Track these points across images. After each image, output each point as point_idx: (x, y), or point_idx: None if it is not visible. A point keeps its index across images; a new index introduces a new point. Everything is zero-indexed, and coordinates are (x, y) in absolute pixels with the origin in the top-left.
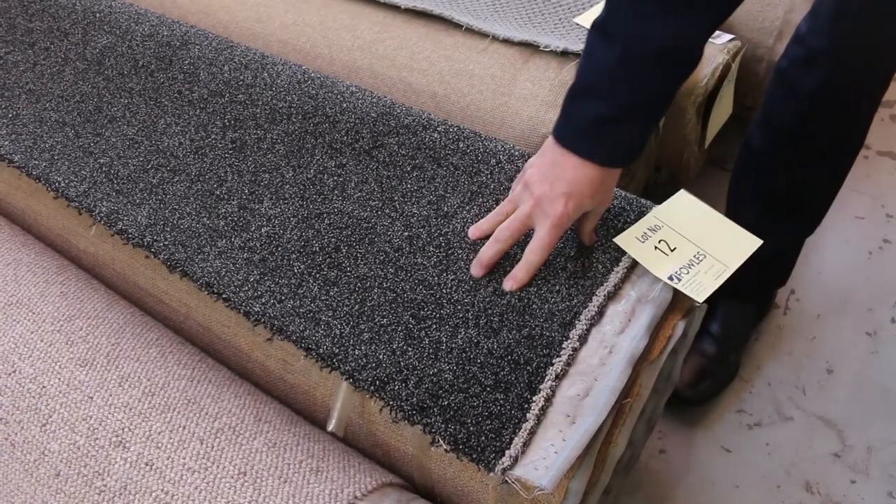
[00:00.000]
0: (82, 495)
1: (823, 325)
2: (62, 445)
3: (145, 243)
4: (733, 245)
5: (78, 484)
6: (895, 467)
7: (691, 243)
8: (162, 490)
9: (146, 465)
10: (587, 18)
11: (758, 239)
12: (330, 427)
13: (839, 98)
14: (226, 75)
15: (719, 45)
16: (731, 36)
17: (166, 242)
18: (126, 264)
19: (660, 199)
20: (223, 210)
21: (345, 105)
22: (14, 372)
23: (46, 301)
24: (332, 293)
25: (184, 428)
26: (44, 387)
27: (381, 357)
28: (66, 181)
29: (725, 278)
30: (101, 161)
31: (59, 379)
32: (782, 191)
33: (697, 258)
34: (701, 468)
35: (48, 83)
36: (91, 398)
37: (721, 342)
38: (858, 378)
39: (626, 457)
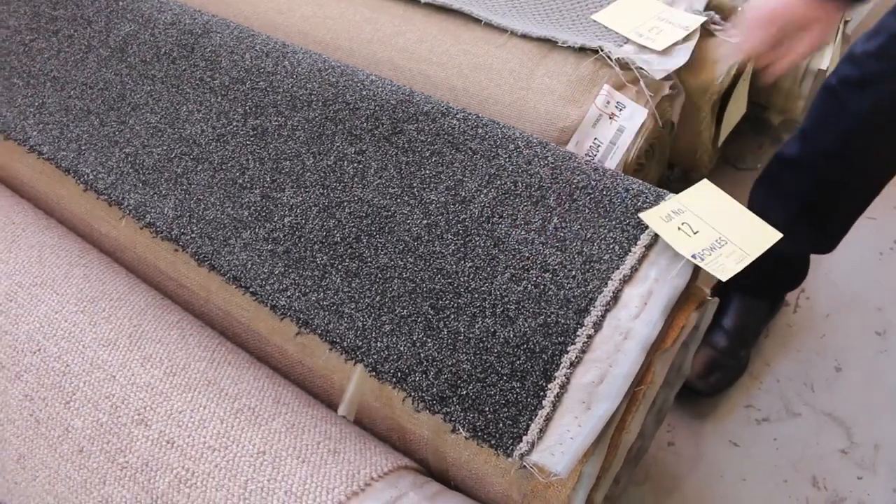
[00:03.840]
0: (105, 471)
1: (833, 323)
2: (85, 422)
3: (173, 236)
4: (754, 235)
5: (100, 460)
6: None
7: (713, 229)
8: (183, 467)
9: (167, 442)
10: (604, 16)
11: (777, 232)
12: (341, 411)
13: (889, 122)
14: (247, 63)
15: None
16: None
17: (193, 235)
18: (147, 248)
19: (674, 194)
20: (246, 199)
21: (365, 92)
22: (39, 350)
23: (70, 283)
24: (353, 285)
25: (204, 408)
26: (68, 365)
27: (401, 349)
28: (94, 173)
29: (746, 264)
30: (127, 151)
31: (83, 358)
32: (812, 204)
33: (719, 243)
34: (709, 461)
35: (72, 71)
36: (114, 377)
37: (733, 336)
38: (866, 376)
39: (635, 447)
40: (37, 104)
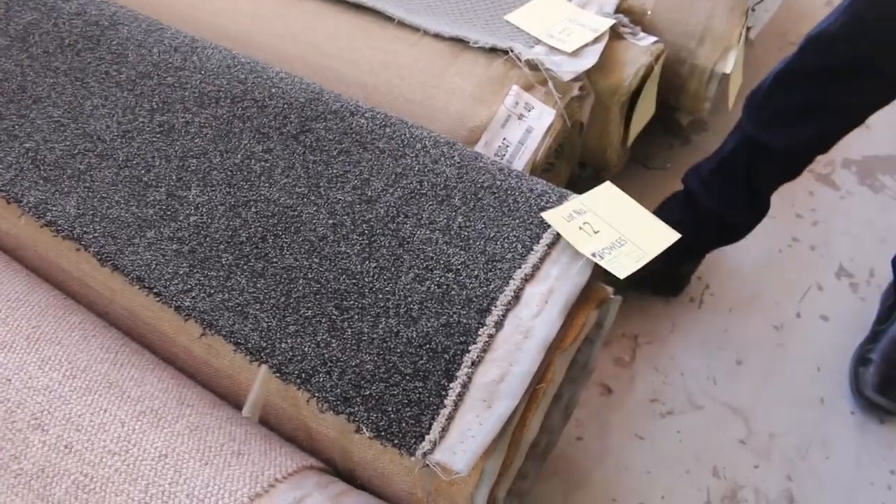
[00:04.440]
0: None
1: (734, 318)
2: None
3: (75, 235)
4: (652, 235)
5: None
6: (794, 452)
7: (614, 229)
8: (81, 472)
9: (65, 447)
10: (516, 17)
11: (675, 232)
12: (245, 412)
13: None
14: (155, 57)
15: (643, 47)
16: (655, 38)
17: (96, 234)
18: (49, 246)
19: (582, 193)
20: (151, 198)
21: (274, 90)
22: None
23: None
24: (259, 285)
25: (105, 411)
26: None
27: (306, 350)
28: None
29: (644, 263)
30: (27, 145)
31: None
32: (733, 160)
33: (619, 242)
34: (616, 455)
35: None
36: (9, 380)
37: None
38: (765, 369)
39: (543, 443)
40: None
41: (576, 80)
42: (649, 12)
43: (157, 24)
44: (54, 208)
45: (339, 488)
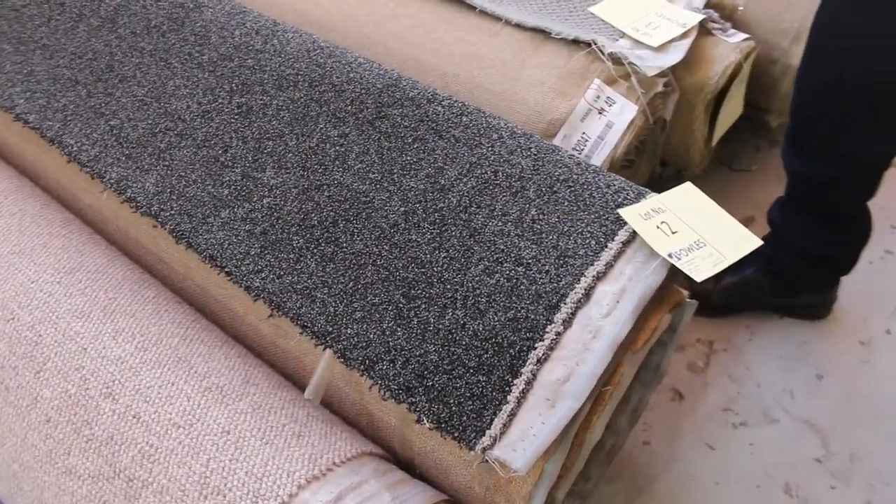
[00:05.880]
0: (70, 442)
1: (817, 331)
2: (54, 393)
3: (153, 212)
4: (733, 240)
5: (67, 431)
6: (876, 477)
7: (692, 230)
8: (147, 443)
9: (133, 417)
10: (601, 9)
11: (758, 238)
12: (307, 394)
13: None
14: (236, 40)
15: (732, 44)
16: (746, 35)
17: (172, 212)
18: (129, 221)
19: (663, 192)
20: (227, 178)
21: (352, 75)
22: (12, 319)
23: (48, 252)
24: (328, 269)
25: (172, 384)
26: (40, 335)
27: (371, 336)
28: (79, 144)
29: (723, 267)
30: (112, 123)
31: (56, 329)
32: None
33: (697, 245)
34: (683, 463)
35: (62, 39)
36: (85, 349)
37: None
38: (847, 386)
39: (608, 445)
40: (25, 72)
41: (660, 75)
42: (741, 8)
43: (239, 7)
44: (134, 185)
45: (396, 476)
